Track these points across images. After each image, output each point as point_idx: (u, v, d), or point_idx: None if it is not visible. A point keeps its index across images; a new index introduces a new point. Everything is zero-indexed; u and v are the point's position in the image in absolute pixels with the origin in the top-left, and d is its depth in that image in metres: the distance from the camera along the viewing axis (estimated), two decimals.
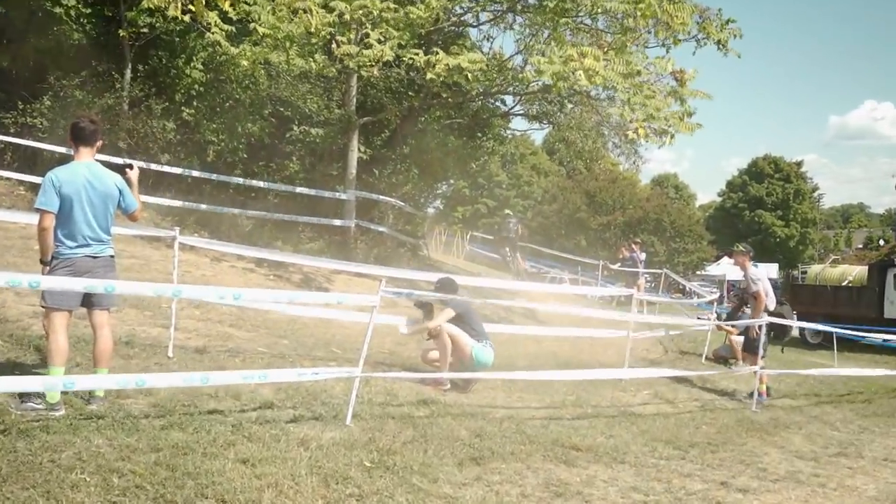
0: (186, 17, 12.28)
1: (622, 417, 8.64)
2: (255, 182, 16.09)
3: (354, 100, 16.63)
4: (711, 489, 6.28)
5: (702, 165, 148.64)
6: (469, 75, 12.93)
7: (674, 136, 13.49)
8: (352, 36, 13.32)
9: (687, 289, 27.30)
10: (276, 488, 4.86)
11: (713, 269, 46.29)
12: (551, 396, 9.05)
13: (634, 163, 22.65)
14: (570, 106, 19.45)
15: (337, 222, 16.57)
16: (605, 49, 12.73)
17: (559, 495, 5.64)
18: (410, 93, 18.18)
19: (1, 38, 14.79)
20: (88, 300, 5.93)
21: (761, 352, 10.81)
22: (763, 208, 69.91)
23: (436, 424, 6.95)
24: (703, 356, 13.82)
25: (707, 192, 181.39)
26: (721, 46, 13.35)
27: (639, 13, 12.70)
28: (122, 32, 14.49)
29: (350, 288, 13.41)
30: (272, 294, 9.53)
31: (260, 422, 6.09)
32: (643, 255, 23.66)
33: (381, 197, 17.90)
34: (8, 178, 13.60)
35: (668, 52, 13.50)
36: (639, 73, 12.67)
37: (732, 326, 13.14)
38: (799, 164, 73.76)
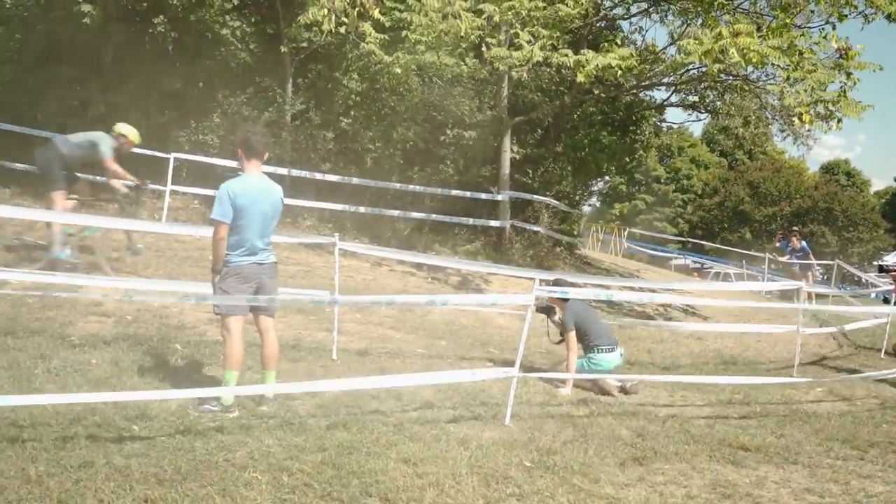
0: (342, 30, 12.68)
1: (794, 416, 8.22)
2: (411, 186, 16.44)
3: (506, 100, 16.68)
4: (894, 491, 5.89)
5: (876, 149, 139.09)
6: (619, 71, 12.68)
7: (840, 121, 12.78)
8: (501, 38, 13.37)
9: (863, 280, 25.70)
10: (437, 487, 4.94)
11: (890, 259, 43.49)
12: (717, 395, 8.75)
13: (804, 143, 21.42)
14: (729, 95, 18.76)
15: (492, 223, 16.67)
16: (765, 29, 12.20)
17: (727, 497, 5.44)
18: (562, 90, 18.07)
19: (174, 61, 15.79)
20: (256, 306, 6.22)
21: None
22: None
23: (596, 424, 6.87)
24: (883, 351, 12.99)
25: (883, 177, 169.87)
26: (892, 19, 12.52)
27: None
28: (283, 48, 15.14)
29: (507, 288, 13.46)
30: (430, 296, 9.68)
31: (420, 422, 6.20)
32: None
33: (536, 196, 17.86)
34: (184, 193, 14.47)
35: (833, 28, 12.82)
36: (801, 52, 12.06)
37: None
38: None
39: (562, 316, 8.35)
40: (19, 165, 12.82)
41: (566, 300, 8.37)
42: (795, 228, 24.71)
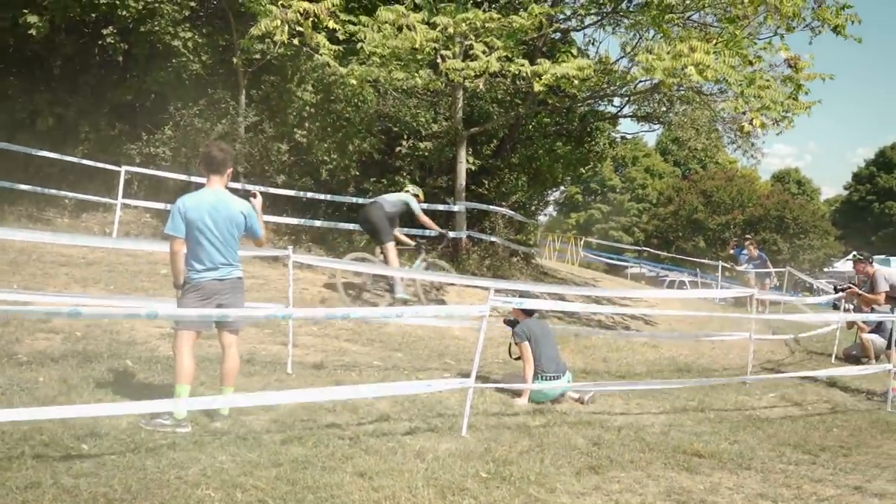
0: (296, 41, 12.61)
1: (747, 422, 8.34)
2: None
3: (461, 111, 16.69)
4: (845, 494, 5.99)
5: (826, 159, 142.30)
6: (577, 81, 12.77)
7: (792, 122, 13.02)
8: (456, 50, 13.40)
9: (814, 287, 26.17)
10: (393, 500, 4.91)
11: (842, 266, 44.32)
12: (671, 402, 8.83)
13: (753, 156, 21.71)
14: (680, 105, 19.00)
15: (449, 234, 16.64)
16: (715, 42, 12.37)
17: (682, 503, 5.49)
18: (517, 101, 18.15)
19: (125, 73, 15.57)
20: (220, 322, 6.14)
21: None
22: (893, 199, 66.38)
23: (552, 433, 6.89)
24: (833, 356, 13.22)
25: (833, 185, 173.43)
26: (838, 32, 12.77)
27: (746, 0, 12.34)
28: (235, 60, 15.01)
29: (463, 299, 13.46)
30: (384, 309, 9.64)
31: (377, 435, 6.17)
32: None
33: (492, 207, 17.90)
34: (135, 207, 14.27)
35: (781, 39, 13.05)
36: (751, 63, 12.25)
37: (864, 323, 12.59)
38: None
39: (518, 327, 8.38)
40: None
41: (530, 314, 8.43)
42: (749, 237, 25.04)
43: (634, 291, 16.79)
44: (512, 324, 8.52)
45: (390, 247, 12.07)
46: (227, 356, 6.23)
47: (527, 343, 8.19)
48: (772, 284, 21.84)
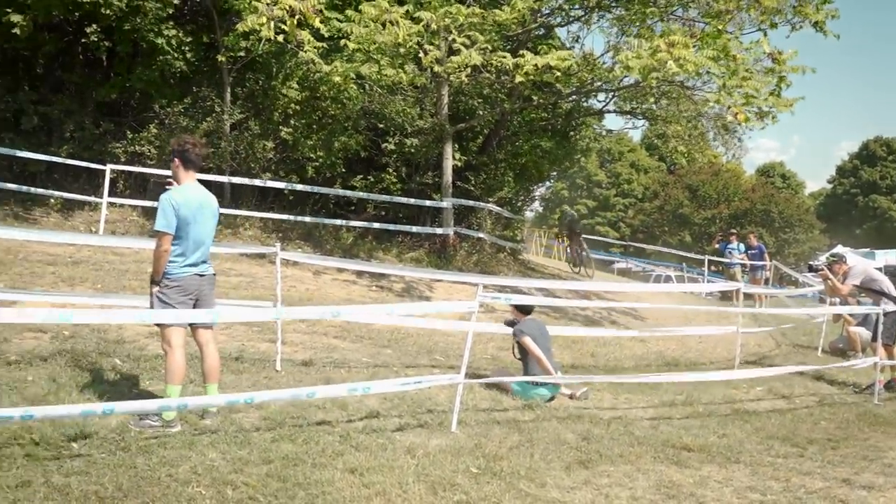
0: (280, 38, 12.58)
1: (735, 415, 8.39)
2: (354, 194, 16.38)
3: (446, 108, 16.70)
4: (833, 487, 6.03)
5: (810, 152, 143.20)
6: (559, 74, 12.78)
7: (775, 117, 13.07)
8: (439, 43, 13.40)
9: (800, 281, 26.31)
10: (384, 496, 4.92)
11: (823, 259, 44.53)
12: (660, 396, 8.87)
13: (734, 155, 21.71)
14: (664, 102, 19.01)
15: (436, 230, 16.68)
16: (699, 37, 12.41)
17: (671, 497, 5.52)
18: (502, 97, 18.18)
19: (109, 71, 15.51)
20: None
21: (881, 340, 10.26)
22: (877, 192, 66.85)
23: (542, 428, 6.92)
24: (819, 349, 13.32)
25: (817, 179, 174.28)
26: (818, 28, 12.83)
27: None
28: (220, 58, 14.96)
29: (451, 295, 13.48)
30: (372, 307, 9.63)
31: (367, 431, 6.18)
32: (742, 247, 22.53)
33: (478, 203, 17.93)
34: (121, 205, 14.22)
35: (764, 35, 13.10)
36: (734, 57, 12.29)
37: (850, 316, 12.67)
38: None
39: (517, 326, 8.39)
40: None
41: (527, 312, 8.46)
42: (734, 231, 25.16)
43: (621, 285, 16.84)
44: (511, 324, 8.54)
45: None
46: (206, 353, 6.20)
47: (528, 338, 8.17)
48: (765, 277, 21.96)
